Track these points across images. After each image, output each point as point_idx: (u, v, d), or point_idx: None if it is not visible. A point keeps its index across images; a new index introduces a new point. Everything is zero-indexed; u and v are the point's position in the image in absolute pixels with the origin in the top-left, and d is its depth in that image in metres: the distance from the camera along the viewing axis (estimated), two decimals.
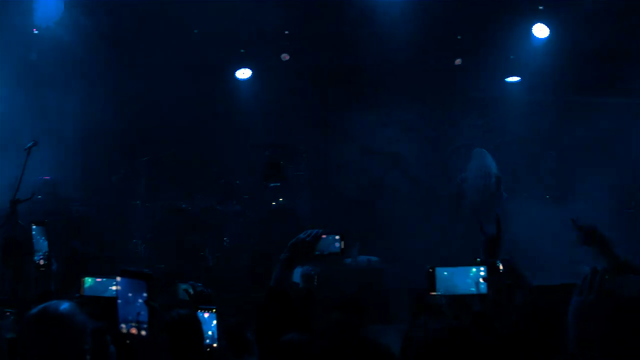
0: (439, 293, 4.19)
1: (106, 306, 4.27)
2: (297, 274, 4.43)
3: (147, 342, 3.13)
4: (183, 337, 3.69)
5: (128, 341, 3.12)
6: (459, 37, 13.21)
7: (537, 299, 4.14)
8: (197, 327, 3.78)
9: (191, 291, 4.62)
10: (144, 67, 12.66)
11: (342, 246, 4.32)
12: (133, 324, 3.13)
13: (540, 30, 12.69)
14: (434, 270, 4.20)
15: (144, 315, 3.14)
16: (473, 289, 4.15)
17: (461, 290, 4.18)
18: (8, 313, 4.39)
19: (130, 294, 3.17)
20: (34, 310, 3.28)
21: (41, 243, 4.41)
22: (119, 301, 3.17)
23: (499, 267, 4.93)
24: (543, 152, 14.27)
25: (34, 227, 4.49)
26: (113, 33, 12.11)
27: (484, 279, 4.13)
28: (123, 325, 3.17)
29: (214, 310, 4.16)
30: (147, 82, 12.72)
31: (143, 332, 3.14)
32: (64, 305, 3.29)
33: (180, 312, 3.84)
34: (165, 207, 12.28)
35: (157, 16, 11.88)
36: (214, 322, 4.13)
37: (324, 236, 4.32)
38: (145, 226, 12.18)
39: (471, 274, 4.18)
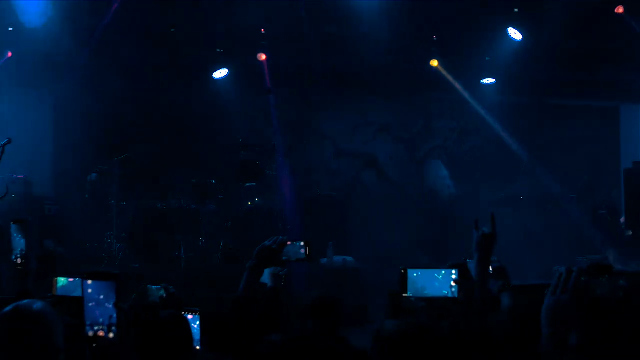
0: (410, 295, 4.21)
1: (79, 306, 4.28)
2: (265, 274, 4.48)
3: (116, 344, 3.12)
4: (173, 338, 3.68)
5: (95, 344, 3.10)
6: (434, 38, 13.25)
7: (520, 300, 4.18)
8: (187, 327, 3.77)
9: (164, 294, 4.60)
10: (119, 67, 12.61)
11: (308, 252, 4.43)
12: (101, 327, 3.12)
13: (516, 33, 12.77)
14: (406, 272, 4.21)
15: (112, 317, 3.12)
16: (445, 292, 4.17)
17: (431, 293, 4.20)
18: None
19: (98, 296, 3.15)
20: (7, 309, 3.27)
21: (18, 241, 4.38)
22: (87, 304, 3.14)
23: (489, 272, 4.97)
24: (517, 154, 14.37)
25: (12, 225, 4.46)
26: (89, 32, 12.04)
27: (455, 281, 4.16)
28: (90, 328, 3.15)
29: (198, 312, 4.18)
30: (122, 81, 12.67)
31: (111, 334, 3.13)
32: (37, 304, 3.28)
33: (172, 312, 3.82)
34: (140, 207, 12.21)
35: (134, 14, 11.84)
36: (197, 323, 4.14)
37: (289, 243, 4.41)
38: (119, 226, 12.11)
39: (440, 277, 4.20)
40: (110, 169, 12.31)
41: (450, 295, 4.18)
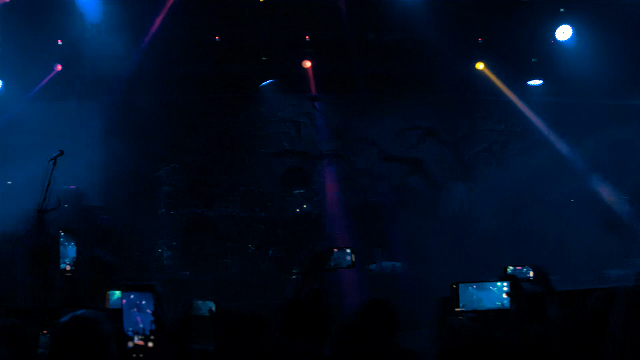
0: (463, 308, 4.21)
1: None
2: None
3: (155, 353, 3.15)
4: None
5: (134, 355, 3.14)
6: (479, 40, 13.16)
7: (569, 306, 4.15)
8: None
9: (214, 309, 4.64)
10: (165, 77, 12.75)
11: (353, 259, 4.48)
12: (140, 336, 3.15)
13: (563, 33, 12.63)
14: (457, 286, 4.21)
15: (151, 326, 3.15)
16: (498, 304, 4.16)
17: (486, 305, 4.19)
18: (45, 332, 4.41)
19: (136, 307, 3.19)
20: (64, 319, 3.33)
21: (69, 249, 4.46)
22: (125, 315, 3.18)
23: (528, 277, 4.95)
24: (566, 155, 14.17)
25: (62, 233, 4.53)
26: (135, 43, 12.20)
27: (507, 293, 4.15)
28: (130, 338, 3.18)
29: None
30: (168, 91, 12.81)
31: (150, 344, 3.16)
32: (92, 314, 3.35)
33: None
34: (189, 215, 12.33)
35: (179, 25, 11.98)
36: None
37: (335, 250, 4.45)
38: (169, 234, 12.24)
39: (495, 289, 4.19)
40: (160, 178, 12.47)
41: (504, 306, 4.16)
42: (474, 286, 4.21)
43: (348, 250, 4.52)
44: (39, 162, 8.81)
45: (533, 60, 13.52)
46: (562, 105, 14.29)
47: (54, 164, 8.36)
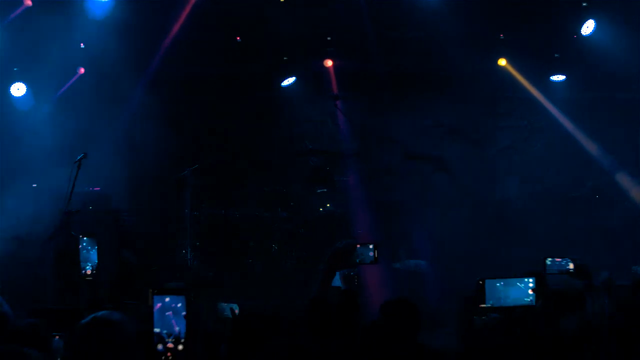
0: (489, 304, 4.17)
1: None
2: (337, 277, 4.54)
3: (184, 356, 3.16)
4: None
5: (164, 357, 3.14)
6: (501, 36, 13.09)
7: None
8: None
9: (237, 311, 4.68)
10: (188, 78, 12.80)
11: (376, 255, 4.47)
12: (170, 339, 3.16)
13: (585, 27, 12.53)
14: (483, 283, 4.17)
15: (182, 329, 3.16)
16: (527, 299, 4.12)
17: (512, 302, 4.15)
18: (57, 337, 4.42)
19: (168, 310, 3.19)
20: (85, 320, 3.36)
21: (91, 254, 4.48)
22: (158, 318, 3.18)
23: (568, 269, 4.91)
24: (590, 151, 14.05)
25: (84, 238, 4.55)
26: (158, 44, 12.26)
27: (532, 290, 4.11)
28: (162, 341, 3.19)
29: None
30: (192, 92, 12.87)
31: (180, 347, 3.16)
32: (114, 315, 3.38)
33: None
34: (213, 216, 12.38)
35: (200, 25, 12.02)
36: None
37: (358, 246, 4.45)
38: (193, 235, 12.29)
39: (522, 285, 4.16)
40: (183, 179, 12.52)
41: (530, 303, 4.12)
42: (501, 282, 4.17)
43: (371, 246, 4.53)
44: (64, 165, 8.89)
45: (555, 55, 13.42)
46: (585, 100, 14.17)
47: (79, 166, 8.40)
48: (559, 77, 13.94)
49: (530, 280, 4.14)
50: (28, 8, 11.48)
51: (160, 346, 3.14)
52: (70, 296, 8.35)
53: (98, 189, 11.67)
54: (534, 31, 12.72)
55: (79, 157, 8.49)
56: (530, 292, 4.11)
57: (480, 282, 4.16)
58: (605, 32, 12.48)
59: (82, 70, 12.87)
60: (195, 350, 3.24)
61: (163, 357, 3.13)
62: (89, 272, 4.33)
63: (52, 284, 9.14)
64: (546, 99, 14.01)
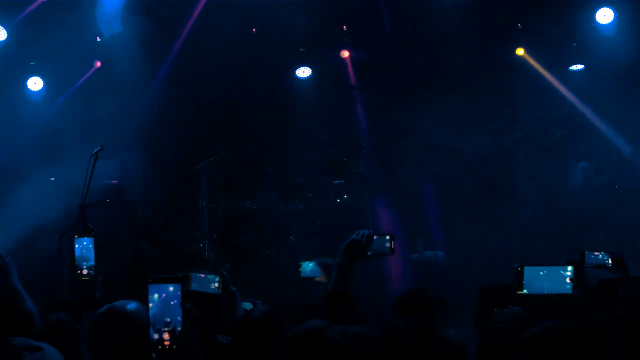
0: (525, 292, 4.12)
1: (212, 302, 4.58)
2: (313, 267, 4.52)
3: (182, 345, 3.14)
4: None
5: (160, 347, 3.14)
6: (519, 26, 12.99)
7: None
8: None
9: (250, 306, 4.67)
10: (203, 70, 12.80)
11: (392, 246, 4.40)
12: (166, 329, 3.15)
13: (604, 16, 12.41)
14: (522, 269, 4.12)
15: (178, 318, 3.15)
16: (564, 289, 4.07)
17: (549, 290, 4.10)
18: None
19: (164, 299, 3.18)
20: (102, 309, 3.38)
21: (85, 253, 4.44)
22: (152, 308, 3.17)
23: (606, 264, 4.85)
24: (609, 140, 13.92)
25: (76, 239, 4.52)
26: (173, 37, 12.28)
27: (570, 279, 4.05)
28: (156, 332, 3.17)
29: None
30: (206, 84, 12.87)
31: (177, 335, 3.15)
32: (131, 304, 3.39)
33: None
34: (229, 208, 12.40)
35: (215, 17, 12.01)
36: None
37: (375, 237, 4.38)
38: (210, 227, 12.32)
39: (561, 274, 4.11)
40: (200, 171, 12.55)
41: (567, 292, 4.07)
42: (540, 270, 4.12)
43: (387, 237, 4.44)
44: (81, 158, 8.90)
45: (574, 44, 13.31)
46: (603, 89, 14.05)
47: (95, 159, 8.41)
48: (577, 66, 13.83)
49: (569, 269, 4.09)
50: (44, 2, 11.52)
51: (156, 335, 3.13)
52: (86, 290, 8.39)
53: (115, 181, 11.70)
54: (552, 20, 12.62)
55: (95, 150, 8.50)
56: (568, 280, 4.06)
57: (519, 269, 4.11)
58: (625, 20, 12.37)
59: (99, 64, 12.91)
60: (193, 339, 3.23)
61: (159, 347, 3.13)
62: (85, 271, 4.30)
63: (68, 277, 9.17)
64: (564, 88, 13.89)
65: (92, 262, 4.36)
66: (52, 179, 11.63)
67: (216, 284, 4.72)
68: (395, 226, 12.15)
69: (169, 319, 3.16)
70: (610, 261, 5.10)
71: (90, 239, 4.41)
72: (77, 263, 4.32)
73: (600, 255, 5.14)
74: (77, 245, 4.40)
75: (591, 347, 2.96)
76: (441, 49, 12.62)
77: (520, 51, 13.43)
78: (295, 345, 2.70)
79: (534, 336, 2.94)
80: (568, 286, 4.06)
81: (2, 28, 11.65)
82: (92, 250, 4.39)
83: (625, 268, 4.70)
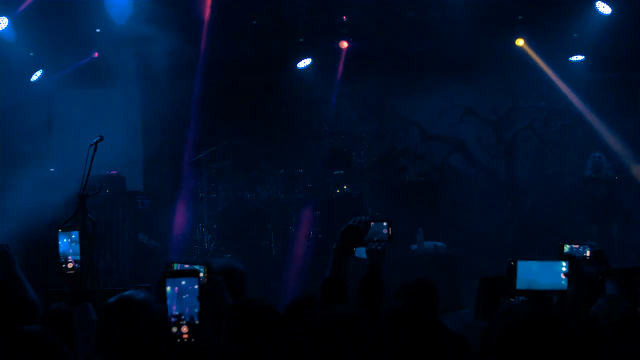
0: (520, 288, 3.97)
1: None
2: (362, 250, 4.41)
3: (199, 337, 3.14)
4: None
5: (179, 340, 3.13)
6: (519, 17, 12.96)
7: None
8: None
9: None
10: (204, 61, 12.77)
11: (390, 232, 4.31)
12: (183, 322, 3.14)
13: (604, 7, 12.37)
14: (515, 263, 3.96)
15: (196, 311, 3.15)
16: (563, 283, 3.94)
17: (543, 286, 3.95)
18: None
19: (181, 293, 3.17)
20: (112, 300, 3.37)
21: (73, 248, 4.38)
22: (169, 302, 3.16)
23: (585, 256, 4.80)
24: (609, 132, 13.91)
25: (60, 233, 4.47)
26: (175, 29, 12.23)
27: (565, 274, 3.94)
28: (176, 324, 3.17)
29: None
30: (207, 75, 12.85)
31: (195, 328, 3.15)
32: (140, 294, 3.39)
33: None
34: (230, 198, 12.40)
35: (216, 9, 11.99)
36: None
37: (372, 223, 4.30)
38: (210, 217, 12.32)
39: (554, 269, 3.97)
40: (200, 161, 12.55)
41: (561, 287, 3.96)
42: (533, 264, 3.97)
43: (385, 224, 4.34)
44: (80, 148, 8.88)
45: (574, 35, 13.27)
46: (604, 81, 14.04)
47: (95, 149, 8.37)
48: (577, 57, 13.79)
49: (564, 263, 3.96)
50: None
51: (174, 329, 3.13)
52: (91, 279, 8.39)
53: (115, 172, 11.69)
54: (553, 11, 12.57)
55: (95, 140, 8.47)
56: (562, 276, 3.94)
57: (512, 263, 3.96)
58: (624, 11, 12.32)
59: (97, 55, 12.87)
60: (209, 332, 3.22)
61: (178, 340, 3.12)
62: (70, 265, 4.25)
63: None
64: (564, 80, 13.86)
65: (78, 257, 4.30)
66: (52, 169, 11.61)
67: (201, 274, 4.70)
68: (396, 216, 12.14)
69: (196, 311, 3.16)
70: (588, 253, 5.06)
71: (76, 232, 4.36)
72: (61, 258, 4.26)
73: (581, 248, 5.10)
74: (62, 240, 4.33)
75: (579, 341, 2.94)
76: (442, 40, 12.58)
77: (520, 42, 13.39)
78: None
79: (519, 323, 2.92)
80: (563, 282, 3.95)
81: (5, 18, 11.59)
82: (78, 244, 4.33)
83: (604, 260, 4.68)
